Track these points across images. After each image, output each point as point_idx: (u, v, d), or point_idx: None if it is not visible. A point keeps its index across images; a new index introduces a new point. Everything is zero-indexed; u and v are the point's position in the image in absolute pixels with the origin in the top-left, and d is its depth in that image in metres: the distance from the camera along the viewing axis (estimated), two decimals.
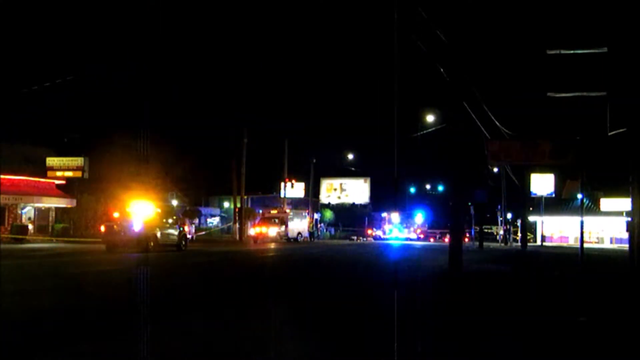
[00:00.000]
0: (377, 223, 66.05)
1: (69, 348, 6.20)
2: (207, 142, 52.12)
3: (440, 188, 76.31)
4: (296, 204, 56.84)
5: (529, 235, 50.49)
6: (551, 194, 52.71)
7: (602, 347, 6.89)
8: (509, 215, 53.24)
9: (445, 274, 15.14)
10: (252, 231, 43.76)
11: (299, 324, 7.69)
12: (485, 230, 52.71)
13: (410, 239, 59.46)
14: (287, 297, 10.51)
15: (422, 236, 63.25)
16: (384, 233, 61.58)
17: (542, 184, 51.68)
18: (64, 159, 42.77)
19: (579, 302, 10.88)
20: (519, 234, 48.02)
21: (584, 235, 18.54)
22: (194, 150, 50.90)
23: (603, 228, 54.54)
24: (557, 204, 54.78)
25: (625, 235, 40.08)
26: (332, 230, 66.10)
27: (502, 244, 49.37)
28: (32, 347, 6.27)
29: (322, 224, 61.64)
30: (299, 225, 47.31)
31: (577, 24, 13.54)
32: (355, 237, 59.93)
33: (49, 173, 42.20)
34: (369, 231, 63.45)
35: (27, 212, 40.97)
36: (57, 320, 7.85)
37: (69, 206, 41.08)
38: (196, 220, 50.75)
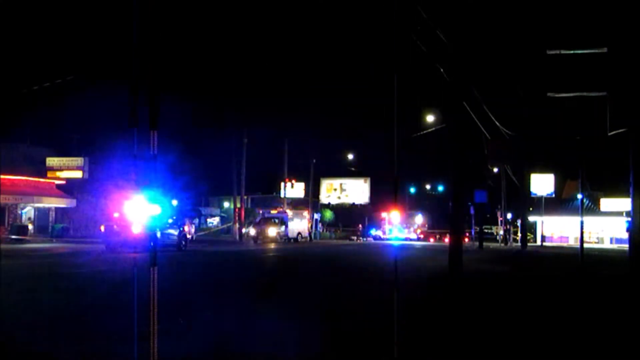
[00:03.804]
0: (377, 223, 66.03)
1: (69, 348, 6.20)
2: (207, 142, 52.09)
3: (441, 188, 76.30)
4: (296, 204, 56.81)
5: (529, 235, 50.50)
6: (551, 194, 52.73)
7: (601, 347, 6.88)
8: (509, 215, 53.24)
9: (445, 274, 15.12)
10: (252, 231, 43.75)
11: (296, 326, 7.69)
12: (485, 230, 52.73)
13: (410, 239, 59.45)
14: (284, 297, 10.51)
15: (422, 236, 63.21)
16: (384, 233, 61.56)
17: (542, 184, 51.71)
18: (64, 159, 42.74)
19: (579, 302, 10.88)
20: (519, 234, 48.03)
21: (584, 235, 18.55)
22: (194, 150, 50.89)
23: (603, 228, 54.56)
24: (557, 204, 54.79)
25: (625, 235, 40.14)
26: (332, 230, 66.02)
27: (502, 244, 49.37)
28: (31, 346, 6.26)
29: (320, 224, 61.55)
30: (299, 225, 47.31)
31: (577, 24, 13.53)
32: (355, 237, 59.92)
33: (49, 173, 42.17)
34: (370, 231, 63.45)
35: (27, 212, 40.96)
36: (57, 320, 7.84)
37: (69, 206, 41.08)
38: (196, 220, 50.75)
